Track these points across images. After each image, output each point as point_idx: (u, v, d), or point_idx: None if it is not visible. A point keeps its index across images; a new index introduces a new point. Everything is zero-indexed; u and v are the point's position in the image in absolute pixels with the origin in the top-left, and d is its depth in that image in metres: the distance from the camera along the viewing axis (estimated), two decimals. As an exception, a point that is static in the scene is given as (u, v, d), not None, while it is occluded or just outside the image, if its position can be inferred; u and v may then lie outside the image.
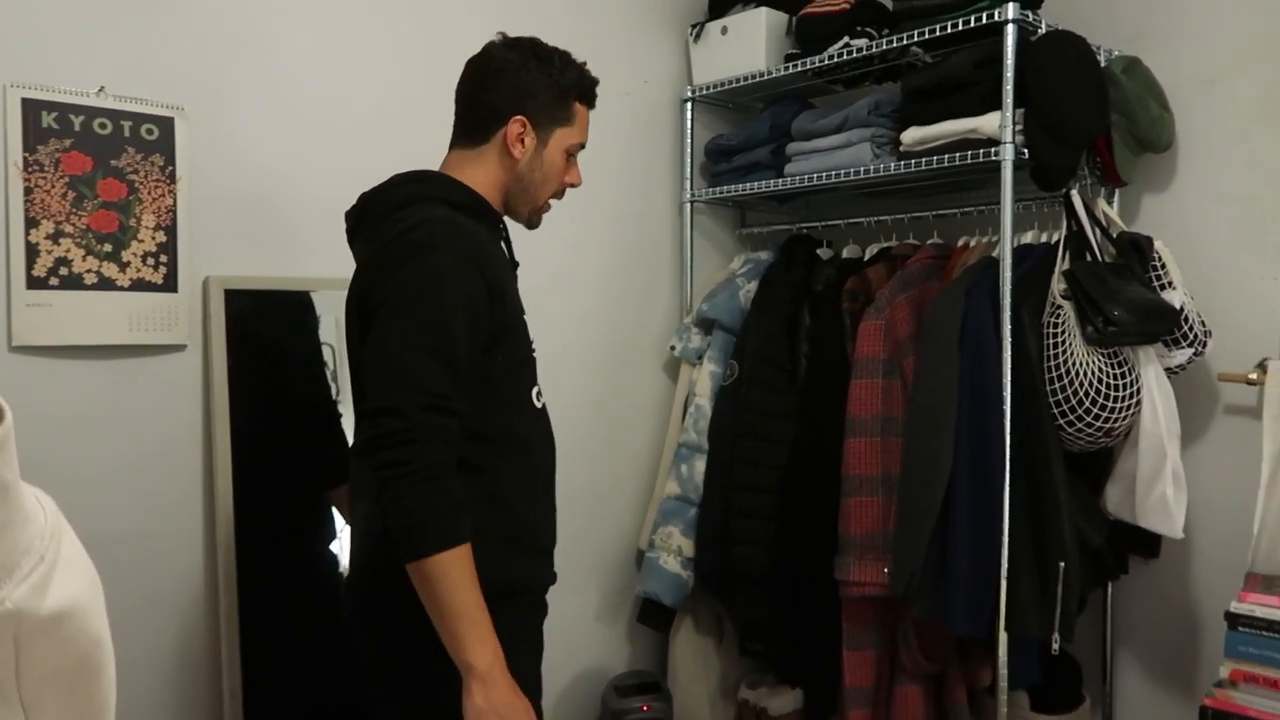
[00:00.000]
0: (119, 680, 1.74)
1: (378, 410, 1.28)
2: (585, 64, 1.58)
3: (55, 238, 1.66)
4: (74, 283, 1.68)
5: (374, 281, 1.37)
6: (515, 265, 1.58)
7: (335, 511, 2.03)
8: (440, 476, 1.27)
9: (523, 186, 1.54)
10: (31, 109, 1.63)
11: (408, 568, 1.28)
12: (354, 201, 1.54)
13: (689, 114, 2.65)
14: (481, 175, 1.51)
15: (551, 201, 1.60)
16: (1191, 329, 1.99)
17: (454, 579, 1.27)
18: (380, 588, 1.41)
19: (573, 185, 1.61)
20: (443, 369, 1.30)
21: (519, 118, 1.50)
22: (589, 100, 1.58)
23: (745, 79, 2.51)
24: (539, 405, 1.53)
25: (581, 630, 2.53)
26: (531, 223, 1.61)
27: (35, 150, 1.64)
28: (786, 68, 2.42)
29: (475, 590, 1.29)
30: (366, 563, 1.45)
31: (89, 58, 1.72)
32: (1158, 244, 2.02)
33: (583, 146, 1.60)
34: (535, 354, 1.55)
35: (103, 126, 1.70)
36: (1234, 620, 1.82)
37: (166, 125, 1.78)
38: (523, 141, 1.51)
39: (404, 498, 1.26)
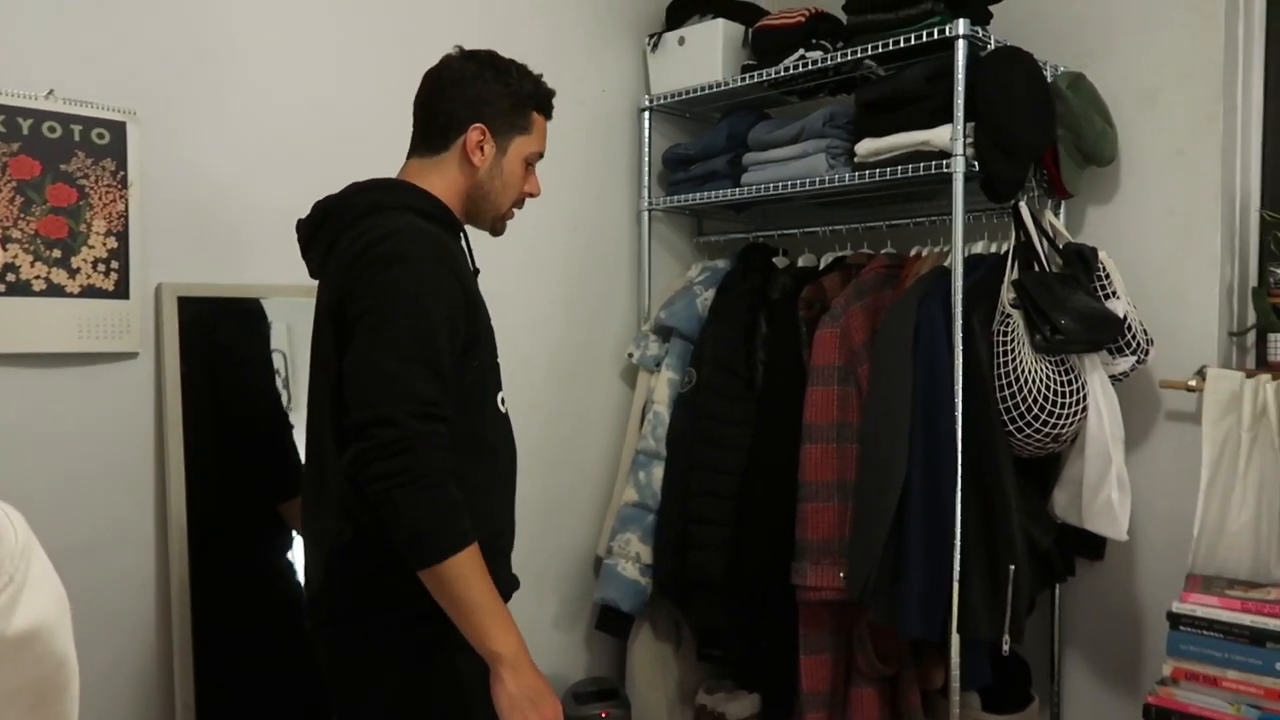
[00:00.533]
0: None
1: (370, 421, 1.27)
2: (541, 75, 1.59)
3: (2, 243, 1.62)
4: (22, 289, 1.65)
5: (350, 292, 1.36)
6: (476, 272, 1.58)
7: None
8: (439, 482, 1.28)
9: (484, 194, 1.54)
10: (-22, 112, 1.59)
11: (420, 574, 1.28)
12: (308, 210, 1.53)
13: (646, 123, 2.67)
14: (441, 183, 1.51)
15: (513, 210, 1.61)
16: (1134, 337, 2.05)
17: (468, 577, 1.29)
18: (351, 594, 1.40)
19: (531, 195, 1.62)
20: (430, 375, 1.30)
21: (478, 125, 1.50)
22: (546, 110, 1.60)
23: (702, 89, 2.53)
24: (503, 410, 1.54)
25: (539, 637, 2.52)
26: (495, 230, 1.61)
27: (-18, 154, 1.60)
28: (743, 79, 2.45)
29: (489, 583, 1.31)
30: (336, 571, 1.43)
31: (38, 60, 1.68)
32: (1102, 254, 2.08)
33: (540, 156, 1.61)
34: (499, 360, 1.56)
35: (52, 130, 1.67)
36: (1175, 620, 1.87)
37: (118, 130, 1.75)
38: (482, 149, 1.51)
39: (406, 508, 1.26)
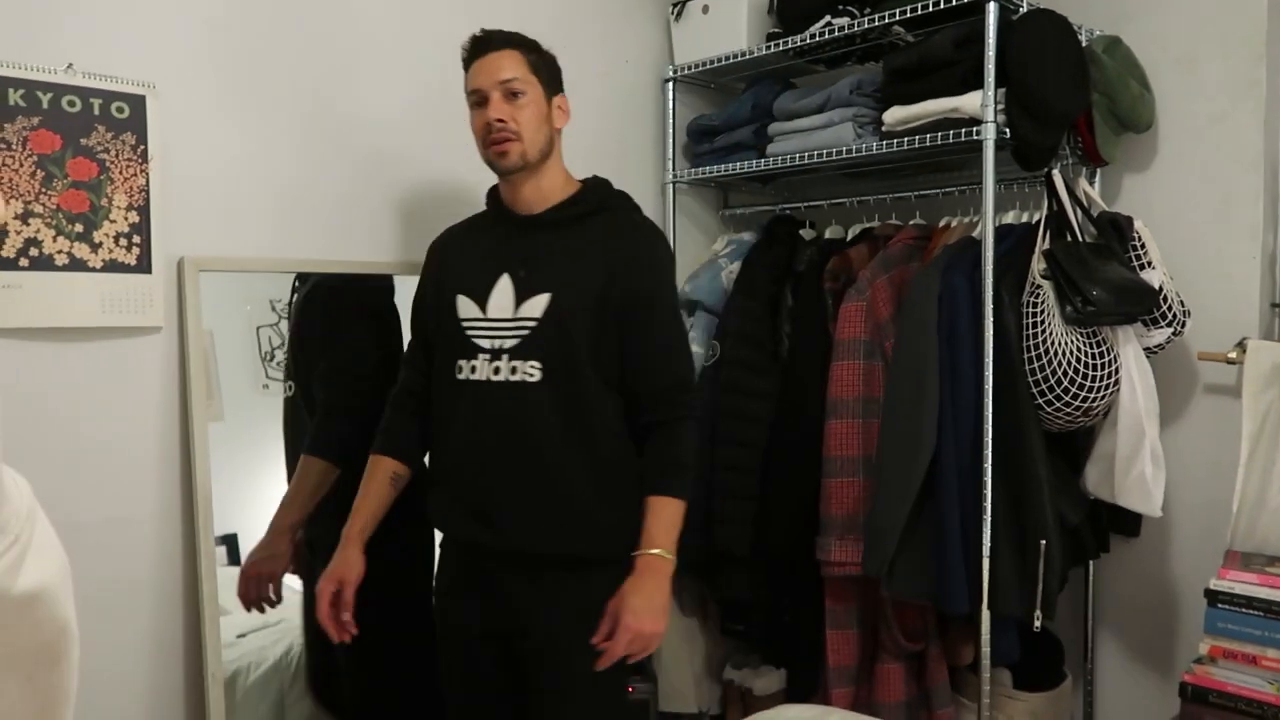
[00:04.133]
0: (99, 665, 1.74)
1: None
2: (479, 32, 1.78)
3: (24, 218, 1.63)
4: (44, 264, 1.66)
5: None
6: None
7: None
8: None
9: None
10: (-2, 86, 1.60)
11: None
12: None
13: (670, 94, 2.63)
14: None
15: (493, 150, 1.73)
16: (1170, 309, 1.99)
17: None
18: None
19: (486, 128, 1.72)
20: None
21: None
22: (465, 58, 1.76)
23: (727, 59, 2.49)
24: (460, 378, 1.73)
25: (565, 613, 2.52)
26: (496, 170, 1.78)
27: (2, 129, 1.60)
28: (768, 47, 2.41)
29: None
30: None
31: (57, 33, 1.68)
32: (1137, 224, 2.02)
33: (473, 93, 1.74)
34: (471, 330, 1.73)
35: (72, 104, 1.67)
36: (1213, 597, 1.83)
37: (138, 103, 1.75)
38: None
39: None
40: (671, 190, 2.65)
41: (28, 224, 1.64)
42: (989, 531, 1.94)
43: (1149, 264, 1.99)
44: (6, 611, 0.50)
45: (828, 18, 2.27)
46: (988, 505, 1.94)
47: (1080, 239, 1.99)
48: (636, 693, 2.34)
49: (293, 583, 2.22)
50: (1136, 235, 2.01)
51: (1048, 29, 2.00)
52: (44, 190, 1.65)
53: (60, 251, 1.67)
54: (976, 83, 2.00)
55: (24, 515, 0.52)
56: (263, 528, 2.02)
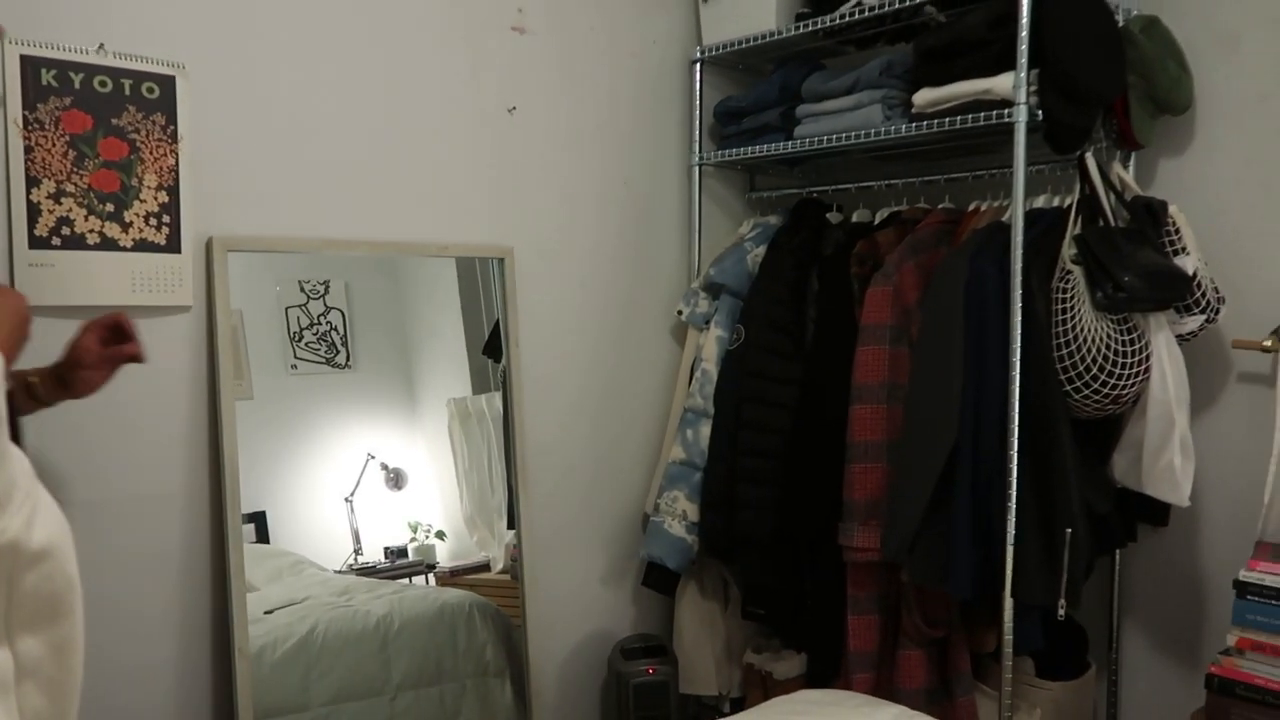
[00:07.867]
0: (127, 637, 1.77)
1: None
2: None
3: (57, 197, 1.65)
4: (76, 243, 1.68)
5: None
6: None
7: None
8: None
9: None
10: (31, 66, 1.62)
11: None
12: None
13: (698, 75, 2.62)
14: None
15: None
16: (1204, 295, 1.96)
17: None
18: None
19: None
20: None
21: None
22: None
23: (755, 39, 2.47)
24: None
25: (588, 593, 2.54)
26: None
27: (35, 108, 1.63)
28: (797, 28, 2.38)
29: None
30: None
31: (89, 14, 1.70)
32: (1172, 208, 1.98)
33: None
34: None
35: (103, 84, 1.69)
36: (1243, 588, 1.81)
37: (168, 84, 1.76)
38: None
39: None
40: (697, 172, 2.64)
41: (60, 203, 1.66)
42: (1013, 518, 1.92)
43: (1183, 249, 1.96)
44: (26, 566, 0.54)
45: (858, -3, 2.24)
46: (1012, 492, 1.92)
47: (1113, 224, 1.95)
48: (656, 674, 2.35)
49: (318, 561, 2.26)
50: (1171, 220, 1.97)
51: (1083, 8, 1.96)
52: (76, 170, 1.67)
53: (92, 231, 1.69)
54: (1009, 64, 1.96)
55: (31, 476, 0.56)
56: (291, 505, 2.05)
